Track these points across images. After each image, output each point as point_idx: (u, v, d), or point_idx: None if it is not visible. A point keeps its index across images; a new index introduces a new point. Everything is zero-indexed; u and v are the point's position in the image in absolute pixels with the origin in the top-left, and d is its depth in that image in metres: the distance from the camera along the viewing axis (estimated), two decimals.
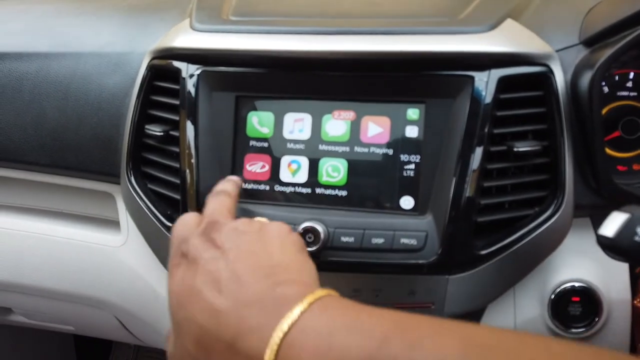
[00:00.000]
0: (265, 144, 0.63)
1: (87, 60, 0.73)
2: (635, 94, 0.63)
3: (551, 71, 0.58)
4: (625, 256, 0.42)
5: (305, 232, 0.58)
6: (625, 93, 0.63)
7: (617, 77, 0.63)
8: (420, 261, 0.57)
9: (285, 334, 0.36)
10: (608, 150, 0.63)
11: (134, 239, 0.73)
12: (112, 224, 0.76)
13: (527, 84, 0.59)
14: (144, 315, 0.76)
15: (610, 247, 0.42)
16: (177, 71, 0.64)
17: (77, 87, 0.72)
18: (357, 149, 0.61)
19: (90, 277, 0.76)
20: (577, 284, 0.61)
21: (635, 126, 0.63)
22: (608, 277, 0.61)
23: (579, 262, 0.62)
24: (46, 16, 0.81)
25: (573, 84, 0.59)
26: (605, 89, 0.63)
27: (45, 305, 0.84)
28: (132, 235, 0.74)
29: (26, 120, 0.73)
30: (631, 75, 0.63)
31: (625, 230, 0.41)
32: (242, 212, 0.62)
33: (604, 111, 0.63)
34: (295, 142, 0.62)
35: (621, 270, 0.61)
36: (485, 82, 0.57)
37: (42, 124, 0.73)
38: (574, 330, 0.61)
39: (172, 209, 0.66)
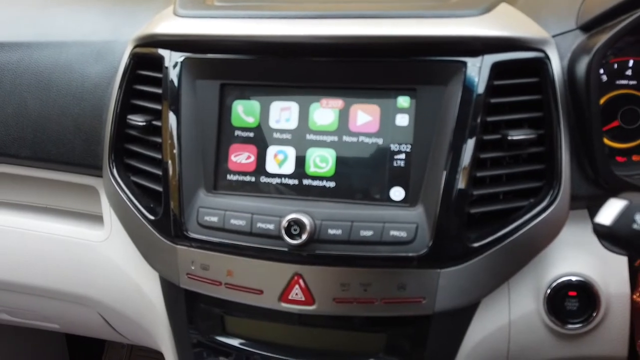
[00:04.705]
0: (251, 134, 0.61)
1: (70, 49, 0.71)
2: (634, 82, 0.61)
3: (547, 57, 0.57)
4: (623, 246, 0.40)
5: (291, 225, 0.56)
6: (624, 82, 0.62)
7: (615, 65, 0.62)
8: (411, 254, 0.55)
9: None
10: (607, 141, 0.61)
11: (117, 233, 0.72)
12: (96, 218, 0.75)
13: (522, 70, 0.57)
14: (128, 311, 0.75)
15: (607, 236, 0.40)
16: (160, 59, 0.63)
17: (59, 77, 0.70)
18: (346, 138, 0.59)
19: (73, 273, 0.75)
20: (574, 278, 0.59)
21: (635, 116, 0.61)
22: (606, 271, 0.60)
23: (576, 256, 0.60)
24: (30, 6, 0.79)
25: (570, 70, 0.57)
26: (604, 78, 0.62)
27: (28, 302, 0.83)
28: (116, 229, 0.72)
29: (6, 111, 0.72)
30: (630, 63, 0.61)
31: (623, 218, 0.39)
32: (227, 205, 0.60)
33: (602, 100, 0.61)
34: (282, 131, 0.61)
35: (620, 263, 0.60)
36: (479, 68, 0.55)
37: (23, 115, 0.71)
38: (570, 326, 0.59)
39: (155, 202, 0.64)
